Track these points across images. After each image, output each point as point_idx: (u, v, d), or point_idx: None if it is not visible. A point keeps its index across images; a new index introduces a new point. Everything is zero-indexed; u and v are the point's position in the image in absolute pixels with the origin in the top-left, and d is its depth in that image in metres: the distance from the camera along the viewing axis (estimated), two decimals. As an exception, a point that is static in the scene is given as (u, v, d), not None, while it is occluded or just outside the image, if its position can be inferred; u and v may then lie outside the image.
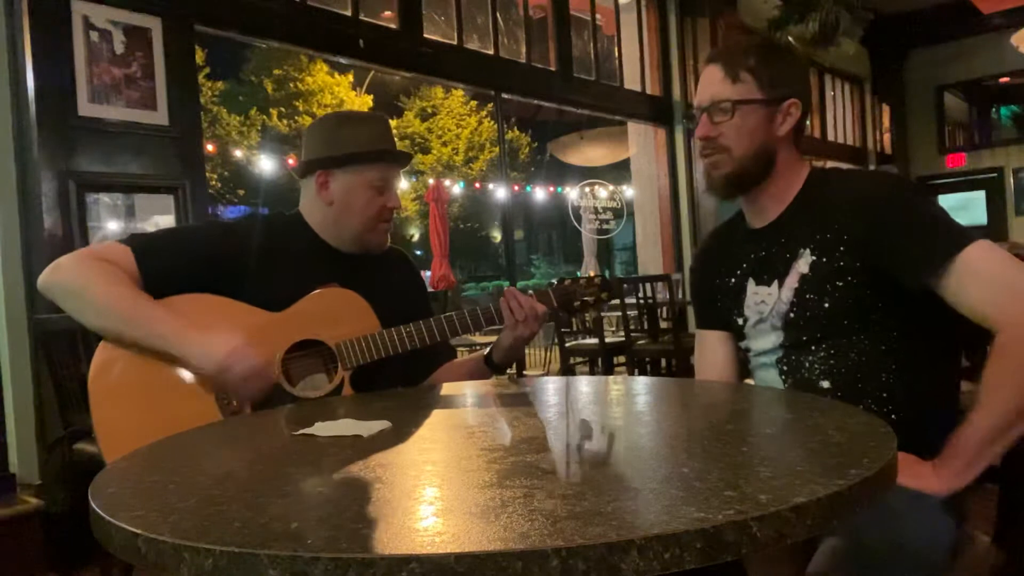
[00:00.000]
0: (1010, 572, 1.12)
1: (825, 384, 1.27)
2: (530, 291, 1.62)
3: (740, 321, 1.40)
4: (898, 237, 1.20)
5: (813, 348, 1.28)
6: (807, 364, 1.29)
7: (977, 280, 1.14)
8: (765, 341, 1.36)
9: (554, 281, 1.66)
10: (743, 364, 1.47)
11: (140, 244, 1.51)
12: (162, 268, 1.49)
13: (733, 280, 1.42)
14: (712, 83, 1.34)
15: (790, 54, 1.46)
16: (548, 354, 8.18)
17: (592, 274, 1.66)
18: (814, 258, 1.28)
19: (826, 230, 1.28)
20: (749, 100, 1.31)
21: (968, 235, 1.16)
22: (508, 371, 1.70)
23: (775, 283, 1.33)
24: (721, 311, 1.46)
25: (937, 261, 1.15)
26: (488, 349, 1.67)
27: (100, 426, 1.39)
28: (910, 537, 1.03)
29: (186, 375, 1.43)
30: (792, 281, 1.30)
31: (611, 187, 7.54)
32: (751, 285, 1.38)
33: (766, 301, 1.34)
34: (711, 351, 1.50)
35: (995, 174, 9.17)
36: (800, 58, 1.63)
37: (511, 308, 1.56)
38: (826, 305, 1.26)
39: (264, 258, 1.57)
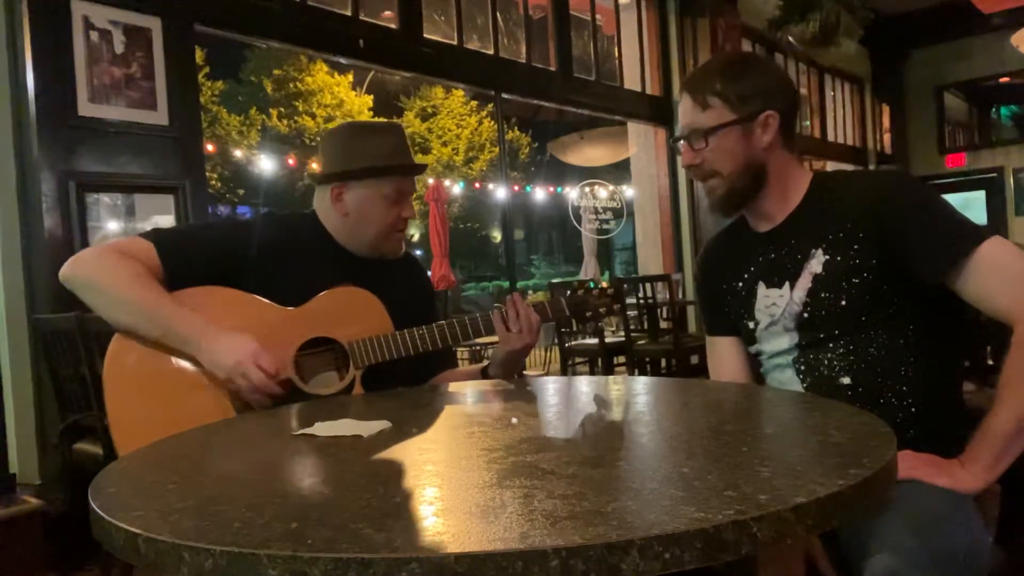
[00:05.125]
0: (1013, 572, 1.12)
1: (845, 380, 1.27)
2: (529, 293, 1.63)
3: (751, 325, 1.40)
4: (915, 233, 1.22)
5: (831, 345, 1.29)
6: (825, 361, 1.30)
7: (994, 275, 1.16)
8: (779, 343, 1.36)
9: (564, 287, 1.67)
10: (755, 367, 1.47)
11: (162, 238, 1.53)
12: (184, 262, 1.51)
13: (741, 284, 1.42)
14: (686, 112, 1.38)
15: (759, 64, 1.45)
16: (548, 354, 8.18)
17: (604, 285, 1.68)
18: (827, 257, 1.29)
19: (839, 228, 1.28)
20: (721, 125, 1.32)
21: (982, 231, 1.19)
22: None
23: (786, 285, 1.34)
24: (730, 316, 1.46)
25: (955, 257, 1.18)
26: (486, 363, 1.67)
27: (113, 416, 1.40)
28: (954, 544, 1.02)
29: (200, 368, 1.44)
30: (805, 282, 1.31)
31: (611, 187, 7.54)
32: (761, 288, 1.38)
33: (777, 303, 1.35)
34: (724, 357, 1.50)
35: (995, 174, 9.16)
36: (772, 64, 1.62)
37: (505, 320, 1.56)
38: (843, 303, 1.27)
39: (281, 256, 1.58)
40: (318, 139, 2.07)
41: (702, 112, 1.34)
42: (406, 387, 1.56)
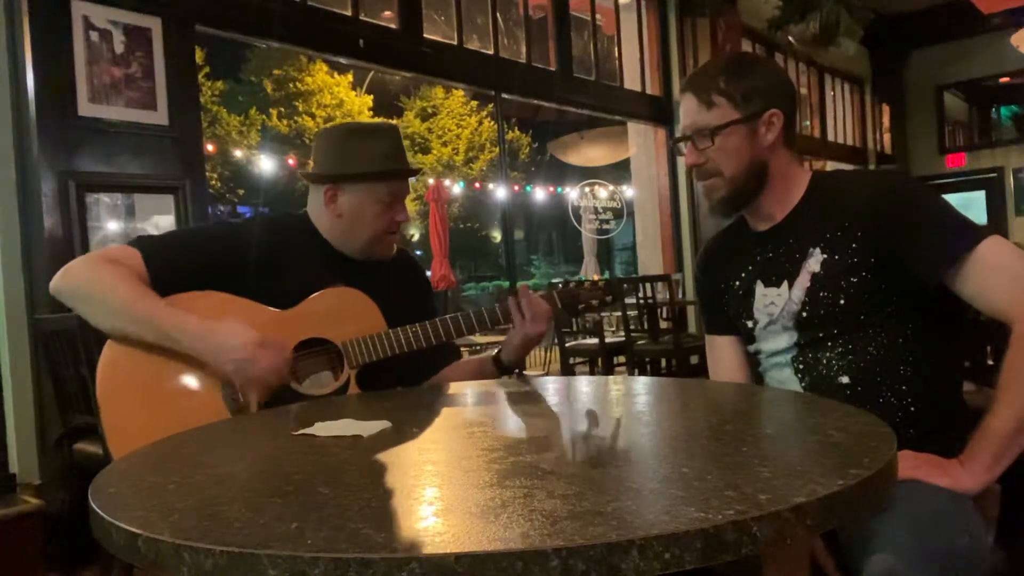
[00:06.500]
0: (1013, 572, 1.12)
1: (844, 379, 1.27)
2: (531, 292, 1.63)
3: (750, 324, 1.40)
4: (913, 232, 1.22)
5: (830, 344, 1.29)
6: (824, 360, 1.30)
7: (993, 274, 1.16)
8: (777, 342, 1.36)
9: (559, 283, 1.67)
10: (754, 366, 1.47)
11: (148, 245, 1.53)
12: (170, 268, 1.50)
13: (739, 283, 1.42)
14: (689, 112, 1.37)
15: (761, 63, 1.45)
16: (548, 354, 8.18)
17: (596, 278, 1.67)
18: (825, 256, 1.29)
19: (837, 227, 1.29)
20: (726, 123, 1.32)
21: (980, 230, 1.19)
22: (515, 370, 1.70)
23: (784, 284, 1.34)
24: (729, 315, 1.46)
25: (953, 256, 1.18)
26: (497, 350, 1.67)
27: (108, 424, 1.40)
28: (954, 544, 1.01)
29: (193, 373, 1.44)
30: (803, 280, 1.31)
31: (611, 187, 7.54)
32: (759, 287, 1.38)
33: (775, 302, 1.35)
34: (723, 356, 1.50)
35: (995, 174, 9.16)
36: (773, 64, 1.62)
37: (520, 307, 1.57)
38: (841, 301, 1.27)
39: (271, 258, 1.58)
40: (315, 138, 2.06)
41: (707, 111, 1.34)
42: (404, 385, 1.56)
